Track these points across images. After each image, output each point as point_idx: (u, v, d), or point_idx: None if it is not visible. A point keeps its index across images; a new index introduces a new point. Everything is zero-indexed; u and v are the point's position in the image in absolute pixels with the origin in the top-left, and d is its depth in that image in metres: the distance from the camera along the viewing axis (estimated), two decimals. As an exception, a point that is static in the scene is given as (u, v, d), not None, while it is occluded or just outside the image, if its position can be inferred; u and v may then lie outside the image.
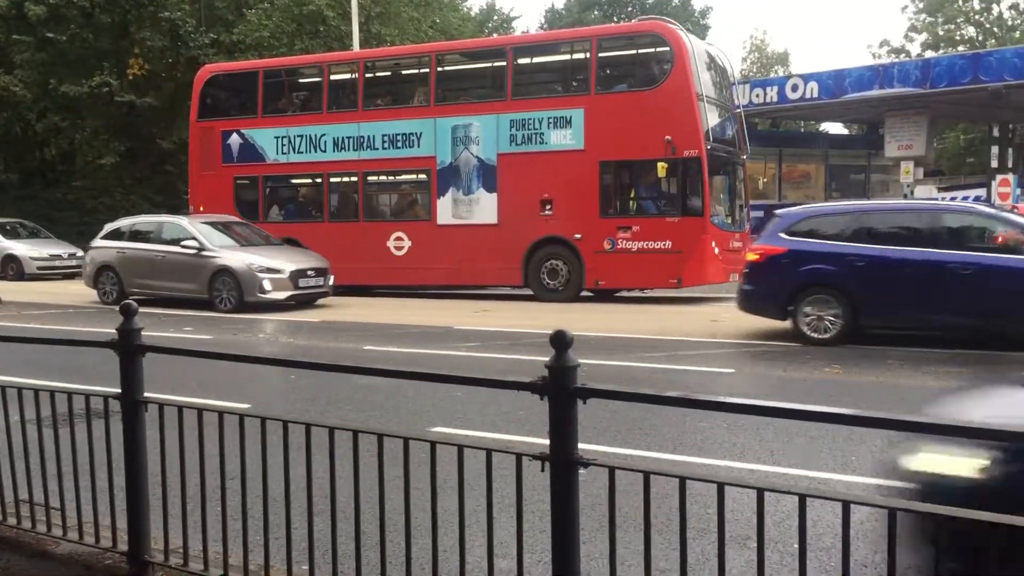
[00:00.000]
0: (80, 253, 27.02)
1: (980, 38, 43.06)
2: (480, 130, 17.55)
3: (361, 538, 3.11)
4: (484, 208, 17.41)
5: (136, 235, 17.32)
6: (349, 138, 18.74)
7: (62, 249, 25.75)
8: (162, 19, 28.43)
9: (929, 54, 38.27)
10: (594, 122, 16.51)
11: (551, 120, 16.91)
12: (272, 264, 15.72)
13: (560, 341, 2.59)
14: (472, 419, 7.22)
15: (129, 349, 3.67)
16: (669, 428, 6.74)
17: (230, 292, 15.60)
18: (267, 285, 15.41)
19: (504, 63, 17.88)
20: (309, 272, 15.99)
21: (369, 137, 18.52)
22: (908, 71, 24.58)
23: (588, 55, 17.13)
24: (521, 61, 18.27)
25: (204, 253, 15.91)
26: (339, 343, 12.10)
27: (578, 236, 16.17)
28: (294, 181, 20.18)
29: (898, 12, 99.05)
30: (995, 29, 43.24)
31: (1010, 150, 30.90)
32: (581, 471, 2.65)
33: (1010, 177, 20.39)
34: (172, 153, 29.32)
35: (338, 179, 19.30)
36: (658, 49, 16.75)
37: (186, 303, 16.11)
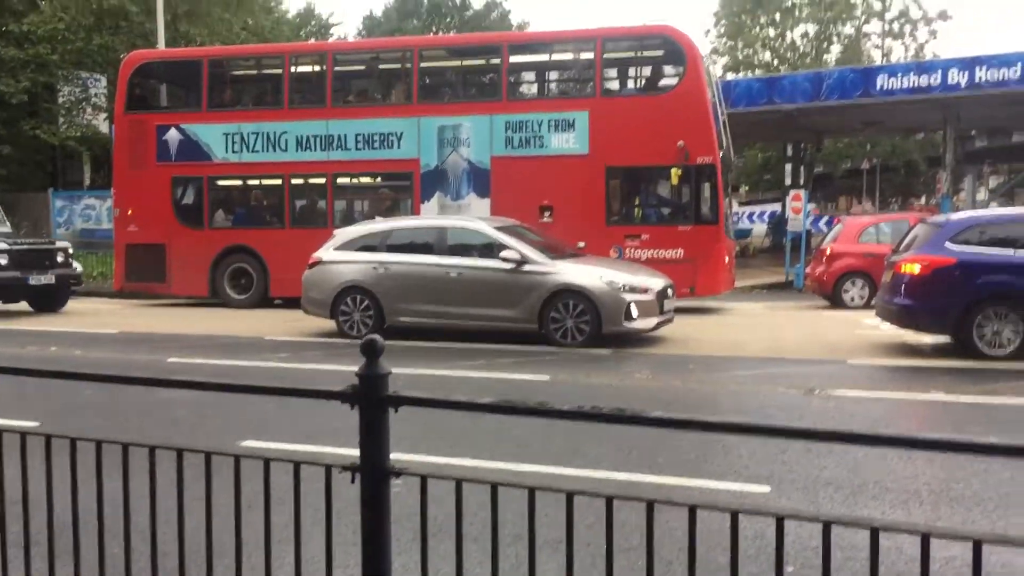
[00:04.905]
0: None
1: (775, 63, 46.03)
2: (471, 131, 16.54)
3: (159, 560, 2.92)
4: (475, 214, 15.95)
5: (400, 244, 12.80)
6: (316, 137, 17.22)
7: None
8: (-60, 7, 26.20)
9: (730, 76, 40.53)
10: (599, 126, 15.86)
11: (552, 123, 16.12)
12: (633, 281, 11.88)
13: (370, 349, 2.53)
14: (285, 432, 7.00)
15: None
16: (486, 435, 6.77)
17: (578, 319, 11.59)
18: (635, 310, 11.58)
19: (499, 61, 17.02)
20: (669, 291, 12.24)
21: (340, 136, 17.12)
22: (710, 91, 25.92)
23: (592, 56, 16.38)
24: (517, 60, 17.50)
25: (529, 268, 11.87)
26: (140, 354, 11.46)
27: (582, 244, 14.67)
28: (247, 183, 18.29)
29: (702, 36, 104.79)
30: (788, 54, 46.33)
31: (802, 168, 33.28)
32: (396, 481, 2.58)
33: (802, 192, 21.86)
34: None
35: (302, 181, 17.68)
36: (669, 53, 16.30)
37: (491, 336, 12.05)
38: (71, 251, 17.27)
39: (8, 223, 18.13)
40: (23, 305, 16.75)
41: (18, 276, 15.82)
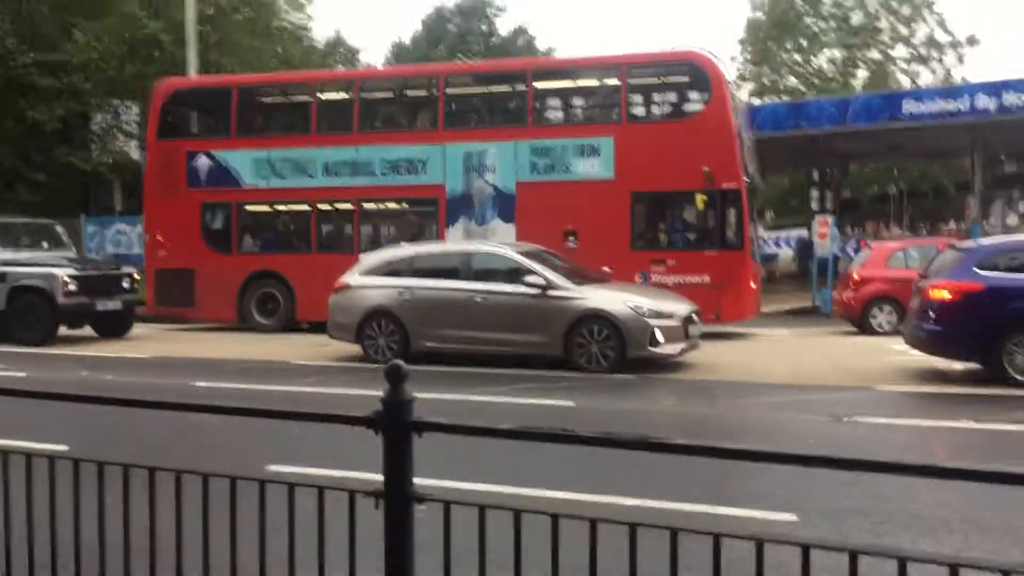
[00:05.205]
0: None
1: (802, 88, 45.91)
2: (496, 157, 16.71)
3: (184, 585, 2.94)
4: (500, 239, 15.85)
5: (425, 269, 12.94)
6: (343, 163, 17.47)
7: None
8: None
9: (756, 101, 40.47)
10: (625, 151, 15.94)
11: (577, 148, 16.26)
12: (658, 306, 11.96)
13: (395, 374, 2.54)
14: (311, 457, 7.01)
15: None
16: (510, 461, 6.74)
17: (603, 345, 11.63)
18: (659, 336, 11.66)
19: (524, 87, 17.31)
20: (694, 317, 12.29)
21: (366, 162, 17.35)
22: (736, 116, 25.90)
23: (618, 82, 16.56)
24: (542, 86, 17.73)
25: (554, 293, 11.94)
26: (170, 379, 11.55)
27: (607, 269, 14.46)
28: (275, 208, 18.50)
29: (728, 61, 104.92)
30: (814, 80, 46.21)
31: (828, 192, 33.12)
32: (420, 507, 2.59)
33: (828, 217, 21.71)
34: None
35: (329, 207, 17.94)
36: (695, 78, 16.33)
37: (516, 361, 12.08)
38: (137, 277, 17.31)
39: (74, 248, 18.19)
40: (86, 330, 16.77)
41: (86, 302, 15.84)
